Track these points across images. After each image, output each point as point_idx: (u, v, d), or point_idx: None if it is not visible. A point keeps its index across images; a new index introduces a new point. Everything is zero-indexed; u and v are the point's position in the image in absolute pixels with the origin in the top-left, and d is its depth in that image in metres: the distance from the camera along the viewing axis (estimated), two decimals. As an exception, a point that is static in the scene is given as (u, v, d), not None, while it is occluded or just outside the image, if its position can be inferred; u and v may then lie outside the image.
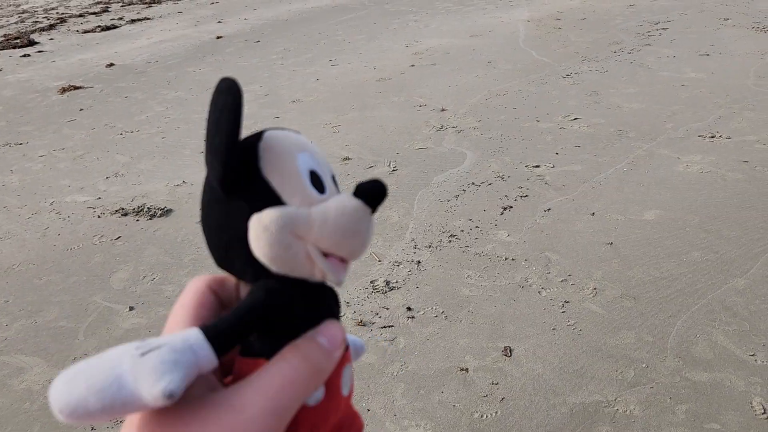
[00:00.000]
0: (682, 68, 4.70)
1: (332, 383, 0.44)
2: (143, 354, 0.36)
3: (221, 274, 0.46)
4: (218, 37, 6.93)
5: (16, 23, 8.51)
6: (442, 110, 4.23)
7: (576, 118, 3.94)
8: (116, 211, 3.25)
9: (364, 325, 2.25)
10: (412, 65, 5.35)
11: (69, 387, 0.34)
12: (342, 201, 0.42)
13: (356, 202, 0.42)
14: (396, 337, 2.19)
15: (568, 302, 2.30)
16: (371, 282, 2.49)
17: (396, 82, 4.94)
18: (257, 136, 0.44)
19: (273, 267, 0.42)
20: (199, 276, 0.45)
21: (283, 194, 0.42)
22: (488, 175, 3.29)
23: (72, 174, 3.76)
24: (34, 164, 3.96)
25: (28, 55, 6.81)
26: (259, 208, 0.41)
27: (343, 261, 0.43)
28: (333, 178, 0.46)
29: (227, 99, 0.40)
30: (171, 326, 0.41)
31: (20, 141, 4.37)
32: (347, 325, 2.26)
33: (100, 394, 0.34)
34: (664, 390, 1.90)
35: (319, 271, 0.42)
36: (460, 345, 2.14)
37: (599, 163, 3.33)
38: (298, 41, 6.52)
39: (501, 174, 3.29)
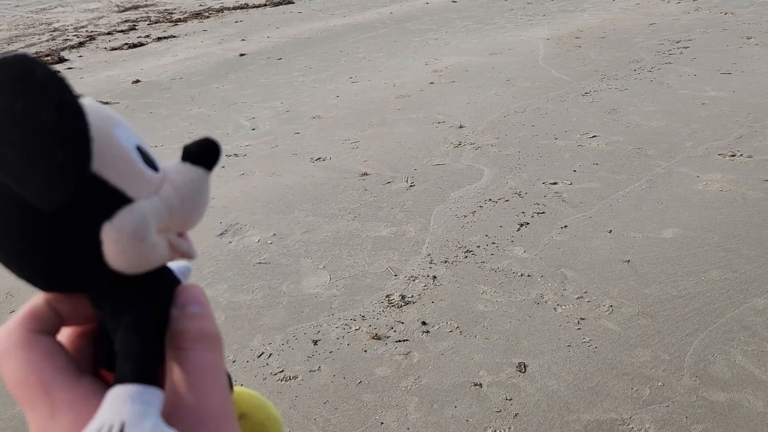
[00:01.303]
0: (703, 86, 4.68)
1: None
2: None
3: (25, 311, 0.36)
4: (241, 55, 7.05)
5: (47, 41, 8.75)
6: (461, 127, 4.26)
7: (594, 136, 3.94)
8: (138, 224, 3.30)
9: (379, 338, 2.27)
10: (432, 82, 5.40)
11: None
12: (183, 175, 0.37)
13: (198, 171, 0.37)
14: (410, 351, 2.20)
15: (583, 319, 2.29)
16: (387, 296, 2.51)
17: (415, 99, 4.99)
18: None
19: (131, 271, 0.35)
20: (5, 332, 0.35)
21: (126, 189, 0.34)
22: (505, 192, 3.30)
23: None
24: (60, 178, 4.06)
25: (58, 73, 7.00)
26: (108, 216, 0.33)
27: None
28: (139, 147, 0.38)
29: (60, 95, 0.31)
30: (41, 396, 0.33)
31: (47, 155, 4.48)
32: (362, 339, 2.28)
33: None
34: (680, 409, 1.89)
35: (178, 253, 0.37)
36: (475, 360, 2.14)
37: (617, 181, 3.33)
38: (320, 59, 6.61)
39: (518, 191, 3.30)
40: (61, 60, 7.53)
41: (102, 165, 0.33)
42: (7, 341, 0.34)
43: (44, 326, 0.35)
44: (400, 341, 2.26)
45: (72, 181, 0.31)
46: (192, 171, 0.37)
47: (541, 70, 5.47)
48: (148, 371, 0.33)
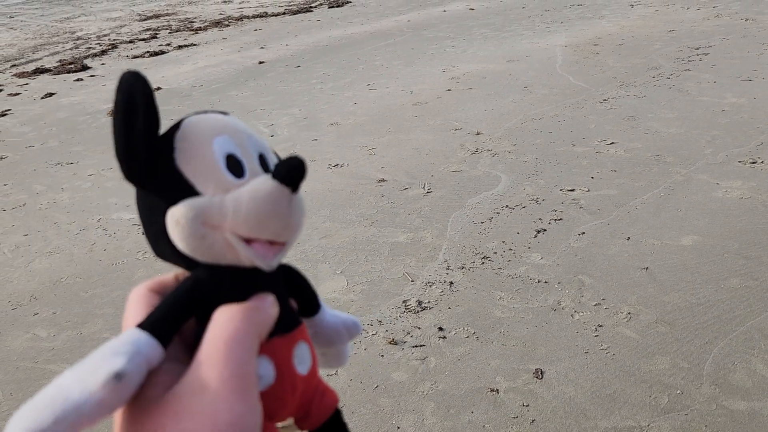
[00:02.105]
0: (723, 93, 4.65)
1: (283, 364, 0.43)
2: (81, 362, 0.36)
3: (158, 277, 0.45)
4: (260, 63, 7.13)
5: (71, 49, 8.90)
6: (478, 134, 4.26)
7: (613, 143, 3.93)
8: (159, 228, 3.35)
9: (395, 343, 2.28)
10: (449, 89, 5.42)
11: (19, 419, 0.35)
12: (256, 185, 0.40)
13: (270, 185, 0.40)
14: (427, 357, 2.21)
15: (601, 326, 2.29)
16: (404, 301, 2.52)
17: (432, 106, 5.00)
18: (176, 126, 0.43)
19: (196, 257, 0.41)
20: (137, 286, 0.44)
21: (197, 184, 0.40)
22: (522, 198, 3.30)
23: (119, 192, 3.90)
24: (83, 183, 4.13)
25: (81, 80, 7.11)
26: (174, 202, 0.40)
27: (274, 243, 0.42)
28: (262, 157, 0.44)
29: (120, 98, 0.39)
30: None
31: (71, 161, 4.55)
32: (378, 344, 2.29)
33: (49, 408, 0.34)
34: (699, 417, 1.87)
35: (244, 257, 0.41)
36: (491, 366, 2.14)
37: (636, 188, 3.31)
38: (337, 66, 6.65)
39: (535, 197, 3.30)
40: (84, 68, 7.65)
41: (183, 162, 0.41)
42: (133, 292, 0.44)
43: (162, 290, 0.44)
44: (416, 346, 2.27)
45: (118, 158, 0.39)
46: (266, 183, 0.40)
47: (558, 77, 5.46)
48: (149, 325, 0.39)
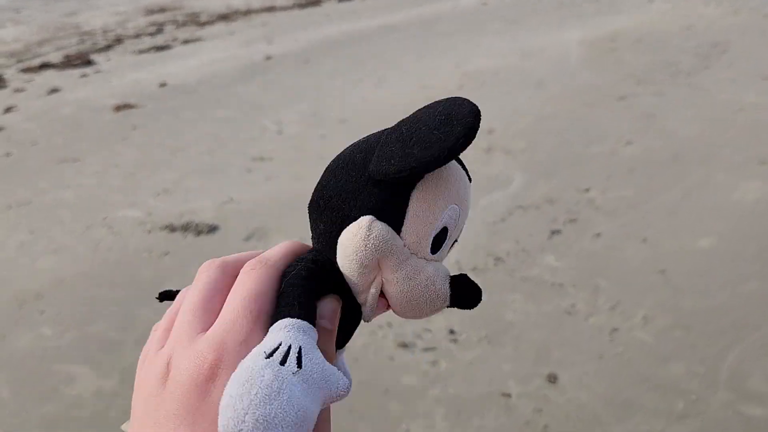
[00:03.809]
0: (742, 92, 4.56)
1: None
2: (299, 364, 0.33)
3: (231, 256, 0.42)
4: (268, 58, 7.08)
5: (76, 44, 8.89)
6: (490, 132, 4.20)
7: (629, 142, 3.85)
8: (165, 227, 3.32)
9: (406, 346, 2.23)
10: (461, 86, 5.35)
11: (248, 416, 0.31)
12: (437, 279, 0.39)
13: (444, 292, 0.40)
14: (438, 360, 2.16)
15: (616, 330, 2.23)
16: (414, 303, 2.47)
17: (443, 102, 4.94)
18: (441, 160, 0.40)
19: (341, 266, 0.40)
20: (209, 263, 0.41)
21: (406, 225, 0.38)
22: (536, 199, 3.24)
23: (124, 190, 3.87)
24: (88, 180, 4.10)
25: (86, 75, 7.09)
26: (378, 214, 0.38)
27: (389, 307, 0.41)
28: (455, 240, 0.43)
29: (473, 120, 0.39)
30: (216, 308, 0.37)
31: (76, 158, 4.53)
32: (388, 347, 2.24)
33: (290, 428, 0.31)
34: (715, 423, 1.82)
35: (364, 298, 0.40)
36: (504, 370, 2.10)
37: (652, 189, 3.24)
38: (347, 61, 6.61)
39: (549, 197, 3.24)
40: (90, 62, 7.64)
41: (417, 198, 0.38)
42: (216, 266, 0.41)
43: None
44: (427, 349, 2.22)
45: (392, 172, 0.37)
46: (443, 288, 0.40)
47: (574, 74, 5.39)
48: (310, 314, 0.36)
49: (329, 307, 0.40)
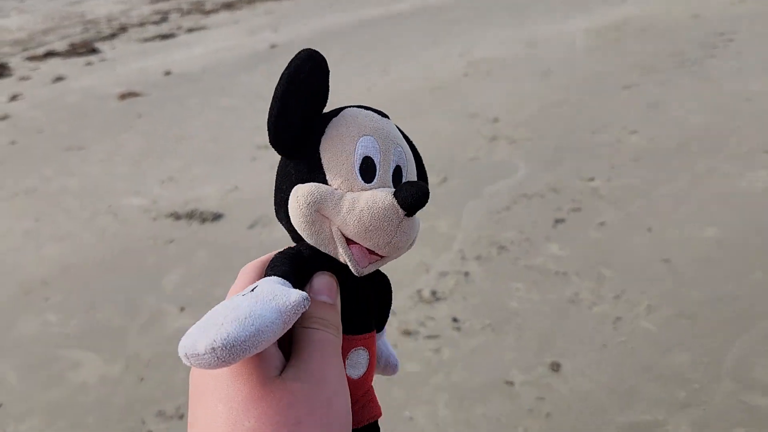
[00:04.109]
0: (749, 81, 4.52)
1: None
2: (252, 290, 0.38)
3: (266, 255, 0.47)
4: (273, 46, 7.06)
5: (81, 33, 8.88)
6: (495, 120, 4.19)
7: (634, 131, 3.83)
8: (170, 214, 3.33)
9: (409, 334, 2.24)
10: (466, 74, 5.33)
11: (211, 331, 0.34)
12: (375, 196, 0.41)
13: (388, 202, 0.41)
14: (441, 348, 2.17)
15: (620, 319, 2.23)
16: (417, 291, 2.47)
17: (449, 91, 4.93)
18: (336, 112, 0.47)
19: (303, 236, 0.44)
20: (248, 264, 0.47)
21: (329, 173, 0.43)
22: (540, 187, 3.23)
23: (129, 178, 3.88)
24: (93, 168, 4.11)
25: (91, 63, 7.09)
26: (303, 180, 0.43)
27: (373, 253, 0.43)
28: (399, 169, 0.46)
29: (286, 70, 0.42)
30: None
31: (81, 146, 4.53)
32: (391, 334, 2.25)
33: (247, 321, 0.34)
34: (717, 412, 1.82)
35: (341, 255, 0.43)
36: (507, 358, 2.10)
37: (657, 178, 3.23)
38: (352, 50, 6.58)
39: (554, 186, 3.23)
40: (94, 51, 7.63)
41: (325, 148, 0.43)
42: (244, 268, 0.48)
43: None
44: (430, 337, 2.22)
45: (268, 125, 0.42)
46: (385, 200, 0.41)
47: (579, 63, 5.36)
48: (284, 275, 0.42)
49: (321, 281, 0.43)
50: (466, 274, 2.57)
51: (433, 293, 2.45)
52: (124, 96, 5.65)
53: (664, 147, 3.59)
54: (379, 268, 0.48)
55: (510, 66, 5.46)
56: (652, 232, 2.74)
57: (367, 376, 0.47)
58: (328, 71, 0.44)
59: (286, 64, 0.42)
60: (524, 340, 2.18)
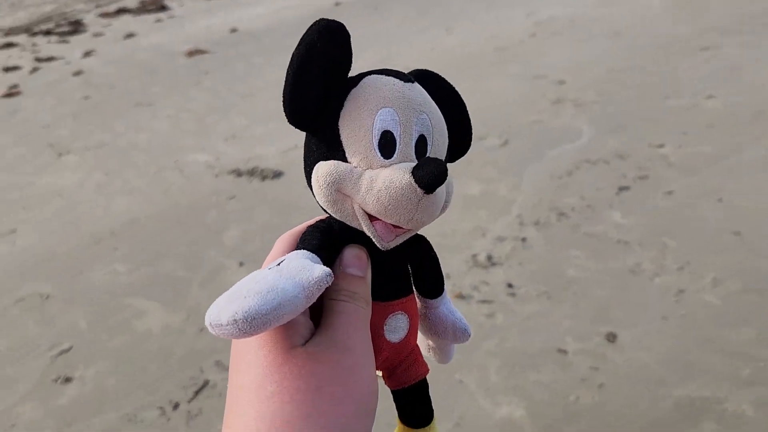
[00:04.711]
0: (840, 43, 4.20)
1: (371, 327, 0.44)
2: (279, 264, 0.39)
3: (304, 224, 0.48)
4: (337, 4, 7.01)
5: (152, -11, 9.03)
6: (561, 82, 4.05)
7: (711, 96, 3.64)
8: (232, 171, 3.40)
9: (462, 297, 2.23)
10: (533, 35, 5.16)
11: (235, 303, 0.35)
12: (393, 174, 0.40)
13: (405, 181, 0.40)
14: (494, 313, 2.15)
15: (682, 291, 2.15)
16: (473, 255, 2.45)
17: (514, 52, 4.79)
18: (356, 80, 0.45)
19: (329, 213, 0.44)
20: (284, 234, 0.47)
21: (348, 150, 0.41)
22: (605, 153, 3.12)
23: (194, 134, 3.97)
24: (161, 124, 4.22)
25: (161, 20, 7.22)
26: (324, 157, 0.42)
27: (397, 227, 0.42)
28: (423, 139, 0.44)
29: (302, 39, 0.41)
30: None
31: (150, 102, 4.66)
32: (445, 297, 2.24)
33: (269, 295, 0.35)
34: (784, 393, 1.75)
35: (365, 230, 0.43)
36: (562, 326, 2.07)
37: (733, 146, 3.06)
38: (416, 9, 6.46)
39: (620, 152, 3.11)
40: (164, 8, 7.77)
41: (344, 123, 0.42)
42: (281, 237, 0.47)
43: None
44: (484, 302, 2.21)
45: (287, 104, 0.41)
46: (403, 178, 0.40)
47: (654, 23, 5.09)
48: (314, 249, 0.42)
49: (351, 254, 0.44)
50: (524, 239, 2.52)
51: (489, 258, 2.43)
52: (191, 53, 5.75)
53: (742, 113, 3.39)
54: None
55: (579, 26, 5.24)
56: (723, 203, 2.62)
57: (409, 338, 0.48)
58: (345, 40, 0.43)
59: (307, 31, 0.41)
60: (580, 309, 2.13)
